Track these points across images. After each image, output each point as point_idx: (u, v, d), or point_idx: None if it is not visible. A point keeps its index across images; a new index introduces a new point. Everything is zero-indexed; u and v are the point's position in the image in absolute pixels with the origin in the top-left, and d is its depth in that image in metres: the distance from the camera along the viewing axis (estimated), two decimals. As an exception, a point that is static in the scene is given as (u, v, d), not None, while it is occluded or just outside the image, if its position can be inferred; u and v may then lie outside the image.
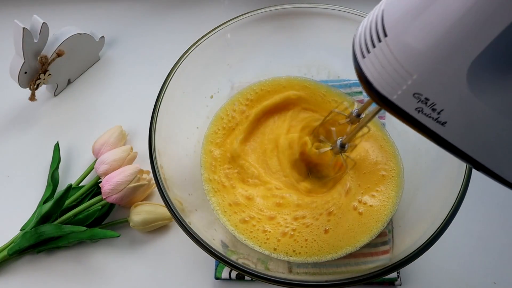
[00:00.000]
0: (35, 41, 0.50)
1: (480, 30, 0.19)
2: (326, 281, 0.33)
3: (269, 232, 0.41)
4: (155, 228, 0.47)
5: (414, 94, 0.22)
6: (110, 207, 0.47)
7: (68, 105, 0.57)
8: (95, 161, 0.49)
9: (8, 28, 0.50)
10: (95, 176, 0.49)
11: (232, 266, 0.34)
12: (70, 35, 0.53)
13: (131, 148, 0.50)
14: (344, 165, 0.42)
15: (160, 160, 0.38)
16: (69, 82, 0.59)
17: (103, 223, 0.47)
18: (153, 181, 0.46)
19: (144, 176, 0.48)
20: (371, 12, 0.24)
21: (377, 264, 0.38)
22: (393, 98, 0.23)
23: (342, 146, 0.39)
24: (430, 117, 0.23)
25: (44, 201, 0.47)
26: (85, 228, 0.44)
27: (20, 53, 0.49)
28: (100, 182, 0.46)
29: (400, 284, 0.42)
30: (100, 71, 0.60)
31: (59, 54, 0.52)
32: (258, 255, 0.40)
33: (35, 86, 0.53)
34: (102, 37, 0.59)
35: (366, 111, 0.37)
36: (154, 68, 0.57)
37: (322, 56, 0.49)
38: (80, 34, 0.54)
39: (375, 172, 0.44)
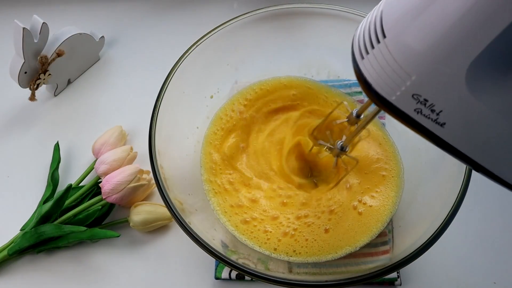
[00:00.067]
0: (35, 41, 0.50)
1: (479, 31, 0.19)
2: (326, 281, 0.33)
3: (270, 232, 0.41)
4: (155, 228, 0.47)
5: (413, 95, 0.22)
6: (110, 207, 0.47)
7: (68, 105, 0.57)
8: (95, 161, 0.49)
9: (8, 28, 0.50)
10: (95, 176, 0.49)
11: (232, 266, 0.34)
12: (70, 35, 0.53)
13: (131, 148, 0.50)
14: (344, 167, 0.42)
15: (160, 160, 0.38)
16: (69, 82, 0.59)
17: (103, 223, 0.47)
18: (153, 181, 0.46)
19: (144, 176, 0.48)
20: (370, 13, 0.24)
21: (377, 264, 0.38)
22: (392, 99, 0.23)
23: (342, 148, 0.39)
24: (429, 118, 0.23)
25: (44, 201, 0.47)
26: (85, 228, 0.44)
27: (20, 53, 0.49)
28: (100, 182, 0.46)
29: (400, 284, 0.42)
30: (100, 71, 0.60)
31: (59, 54, 0.52)
32: (258, 255, 0.40)
33: (35, 86, 0.53)
34: (102, 37, 0.59)
35: (366, 112, 0.36)
36: (154, 68, 0.57)
37: (322, 56, 0.49)
38: (80, 34, 0.54)
39: (375, 172, 0.44)
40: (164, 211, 0.46)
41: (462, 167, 0.36)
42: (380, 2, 0.23)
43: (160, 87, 0.41)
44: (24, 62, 0.50)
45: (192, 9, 0.65)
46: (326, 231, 0.41)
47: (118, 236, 0.45)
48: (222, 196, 0.43)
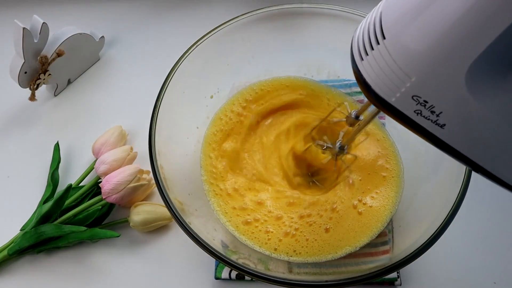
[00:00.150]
0: (35, 41, 0.50)
1: (478, 32, 0.19)
2: (326, 281, 0.33)
3: (272, 232, 0.41)
4: (155, 228, 0.47)
5: (412, 96, 0.22)
6: (110, 207, 0.47)
7: (68, 105, 0.57)
8: (95, 161, 0.49)
9: (8, 28, 0.50)
10: (95, 176, 0.49)
11: (232, 266, 0.34)
12: (70, 35, 0.53)
13: (131, 148, 0.50)
14: (344, 166, 0.42)
15: (160, 160, 0.38)
16: (69, 82, 0.59)
17: (103, 223, 0.47)
18: (153, 181, 0.46)
19: (144, 176, 0.48)
20: (369, 15, 0.24)
21: (377, 264, 0.38)
22: (392, 100, 0.23)
23: (341, 148, 0.39)
24: (429, 119, 0.23)
25: (44, 201, 0.47)
26: (85, 228, 0.44)
27: (20, 53, 0.49)
28: (100, 182, 0.46)
29: (400, 284, 0.42)
30: (100, 71, 0.60)
31: (59, 54, 0.52)
32: (259, 255, 0.40)
33: (35, 86, 0.53)
34: (102, 37, 0.59)
35: (365, 113, 0.36)
36: (154, 68, 0.57)
37: (322, 56, 0.49)
38: (80, 34, 0.54)
39: (375, 172, 0.44)
40: (164, 211, 0.46)
41: (462, 167, 0.36)
42: (379, 3, 0.23)
43: (160, 87, 0.41)
44: (24, 62, 0.50)
45: (192, 9, 0.65)
46: (327, 230, 0.41)
47: (118, 236, 0.45)
48: (223, 198, 0.43)
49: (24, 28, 0.47)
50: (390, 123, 0.47)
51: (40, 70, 0.52)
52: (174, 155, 0.42)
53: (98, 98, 0.58)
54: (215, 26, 0.44)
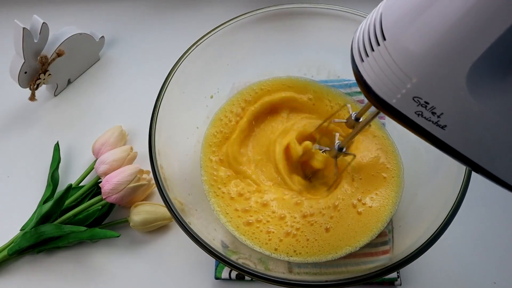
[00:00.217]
0: (35, 41, 0.50)
1: (479, 33, 0.19)
2: (326, 281, 0.33)
3: (273, 232, 0.41)
4: (155, 228, 0.47)
5: (413, 97, 0.22)
6: (110, 207, 0.47)
7: (68, 105, 0.57)
8: (95, 161, 0.49)
9: (8, 28, 0.50)
10: (95, 176, 0.49)
11: (232, 266, 0.34)
12: (70, 35, 0.53)
13: (131, 148, 0.50)
14: (343, 167, 0.42)
15: (160, 160, 0.38)
16: (69, 82, 0.59)
17: (103, 223, 0.47)
18: (153, 181, 0.46)
19: (144, 176, 0.48)
20: (369, 16, 0.24)
21: (377, 264, 0.38)
22: (393, 102, 0.23)
23: (340, 149, 0.39)
24: (430, 120, 0.23)
25: (44, 201, 0.47)
26: (85, 228, 0.44)
27: (20, 53, 0.49)
28: (100, 182, 0.46)
29: (400, 284, 0.42)
30: (100, 71, 0.60)
31: (59, 54, 0.52)
32: (259, 255, 0.40)
33: (35, 86, 0.53)
34: (102, 37, 0.59)
35: (365, 114, 0.36)
36: (154, 68, 0.57)
37: (322, 56, 0.49)
38: (80, 34, 0.54)
39: (375, 172, 0.44)
40: (164, 211, 0.46)
41: (462, 167, 0.36)
42: (379, 5, 0.23)
43: (160, 87, 0.41)
44: (24, 62, 0.50)
45: (192, 9, 0.65)
46: (327, 230, 0.41)
47: (118, 236, 0.45)
48: (225, 200, 0.43)
49: (24, 28, 0.47)
50: (390, 123, 0.47)
51: (40, 70, 0.52)
52: (174, 155, 0.42)
53: (98, 98, 0.58)
54: (215, 26, 0.44)
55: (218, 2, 0.65)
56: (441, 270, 0.44)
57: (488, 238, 0.45)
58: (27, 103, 0.56)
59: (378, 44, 0.22)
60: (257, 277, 0.33)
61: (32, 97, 0.54)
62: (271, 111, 0.48)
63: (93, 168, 0.49)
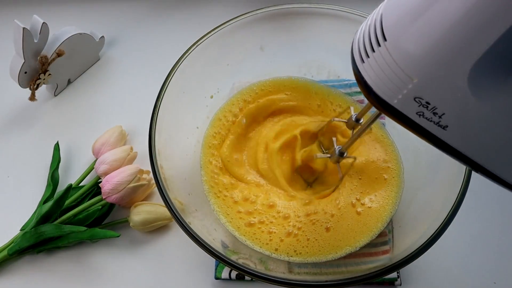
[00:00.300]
0: (35, 41, 0.50)
1: (479, 34, 0.19)
2: (326, 281, 0.33)
3: (274, 233, 0.41)
4: (155, 228, 0.47)
5: (415, 98, 0.22)
6: (110, 207, 0.47)
7: (68, 105, 0.57)
8: (95, 161, 0.49)
9: (8, 28, 0.50)
10: (95, 176, 0.49)
11: (232, 266, 0.34)
12: (70, 35, 0.53)
13: (131, 148, 0.50)
14: (344, 168, 0.42)
15: (160, 160, 0.38)
16: (69, 82, 0.59)
17: (103, 223, 0.47)
18: (153, 181, 0.46)
19: (144, 176, 0.48)
20: (369, 17, 0.24)
21: (377, 264, 0.38)
22: (394, 102, 0.23)
23: (341, 154, 0.39)
24: (431, 121, 0.23)
25: (44, 201, 0.47)
26: (85, 228, 0.44)
27: (20, 53, 0.49)
28: (100, 182, 0.46)
29: (400, 284, 0.42)
30: (100, 71, 0.60)
31: (59, 54, 0.52)
32: (259, 255, 0.40)
33: (35, 86, 0.53)
34: (102, 37, 0.59)
35: (366, 116, 0.36)
36: (154, 68, 0.57)
37: (322, 56, 0.49)
38: (80, 34, 0.54)
39: (375, 173, 0.44)
40: (164, 211, 0.46)
41: (462, 167, 0.36)
42: (380, 6, 0.23)
43: (160, 87, 0.41)
44: (24, 62, 0.50)
45: (192, 9, 0.65)
46: (327, 229, 0.41)
47: (118, 236, 0.45)
48: (226, 202, 0.43)
49: (24, 28, 0.47)
50: (390, 123, 0.47)
51: (40, 70, 0.52)
52: (174, 155, 0.42)
53: (98, 98, 0.58)
54: (215, 26, 0.44)
55: (218, 2, 0.65)
56: (441, 270, 0.44)
57: (488, 238, 0.45)
58: (27, 103, 0.56)
59: (379, 45, 0.22)
60: (257, 277, 0.33)
61: (32, 97, 0.54)
62: (273, 113, 0.48)
63: (93, 168, 0.49)
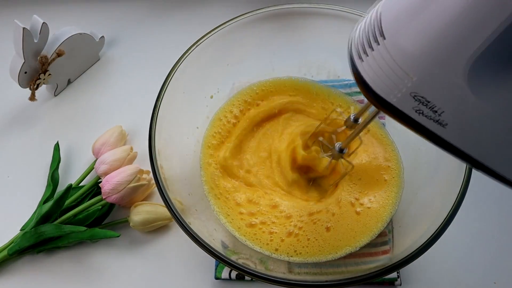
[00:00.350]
0: (35, 41, 0.50)
1: (477, 30, 0.19)
2: (326, 281, 0.33)
3: (275, 233, 0.41)
4: (155, 228, 0.47)
5: (414, 96, 0.22)
6: (110, 207, 0.47)
7: (68, 105, 0.57)
8: (95, 161, 0.49)
9: (8, 28, 0.50)
10: (95, 176, 0.49)
11: (232, 266, 0.34)
12: (70, 35, 0.53)
13: (131, 148, 0.50)
14: (344, 167, 0.42)
15: (160, 160, 0.38)
16: (69, 82, 0.59)
17: (103, 223, 0.47)
18: (153, 181, 0.46)
19: (144, 176, 0.48)
20: (366, 16, 0.24)
21: (377, 264, 0.38)
22: (393, 100, 0.23)
23: (341, 150, 0.39)
24: (430, 118, 0.23)
25: (44, 201, 0.47)
26: (85, 228, 0.44)
27: (20, 53, 0.49)
28: (100, 182, 0.46)
29: (400, 284, 0.42)
30: (100, 71, 0.60)
31: (59, 54, 0.52)
32: (259, 256, 0.40)
33: (35, 86, 0.53)
34: (102, 37, 0.59)
35: (365, 114, 0.36)
36: (154, 68, 0.57)
37: (322, 56, 0.49)
38: (80, 34, 0.54)
39: (375, 173, 0.44)
40: (164, 211, 0.46)
41: (462, 167, 0.36)
42: (378, 4, 0.23)
43: (160, 87, 0.41)
44: (24, 62, 0.50)
45: (192, 9, 0.65)
46: (328, 229, 0.41)
47: (118, 236, 0.45)
48: (227, 204, 0.43)
49: (24, 28, 0.47)
50: (390, 123, 0.47)
51: (40, 70, 0.52)
52: (174, 155, 0.42)
53: (98, 98, 0.58)
54: (215, 26, 0.44)
55: (218, 2, 0.65)
56: (441, 270, 0.44)
57: (488, 238, 0.45)
58: (27, 103, 0.56)
59: (378, 43, 0.22)
60: (257, 277, 0.33)
61: (32, 97, 0.54)
62: (273, 114, 0.48)
63: (93, 168, 0.49)
